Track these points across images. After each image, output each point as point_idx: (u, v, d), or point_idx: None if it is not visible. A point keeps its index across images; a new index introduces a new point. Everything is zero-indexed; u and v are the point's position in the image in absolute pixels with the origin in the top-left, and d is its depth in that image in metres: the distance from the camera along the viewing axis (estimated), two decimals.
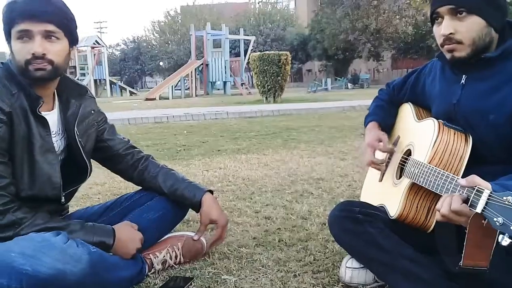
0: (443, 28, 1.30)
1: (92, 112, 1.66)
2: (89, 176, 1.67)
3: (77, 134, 1.56)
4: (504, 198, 0.96)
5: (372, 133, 1.63)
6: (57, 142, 1.53)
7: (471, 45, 1.29)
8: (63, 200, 1.57)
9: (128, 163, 1.81)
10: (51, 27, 1.36)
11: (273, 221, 2.33)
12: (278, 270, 1.70)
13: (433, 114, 1.52)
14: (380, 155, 1.62)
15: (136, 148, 1.86)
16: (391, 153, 1.62)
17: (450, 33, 1.29)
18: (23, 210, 1.38)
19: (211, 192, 1.85)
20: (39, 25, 1.34)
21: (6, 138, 1.35)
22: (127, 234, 1.58)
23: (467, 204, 1.06)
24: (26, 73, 1.38)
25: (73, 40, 1.45)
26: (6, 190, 1.35)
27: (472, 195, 1.05)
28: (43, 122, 1.45)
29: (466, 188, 1.08)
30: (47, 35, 1.36)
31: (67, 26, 1.41)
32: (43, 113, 1.45)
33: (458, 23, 1.28)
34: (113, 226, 1.57)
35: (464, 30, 1.28)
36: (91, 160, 1.72)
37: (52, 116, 1.52)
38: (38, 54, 1.35)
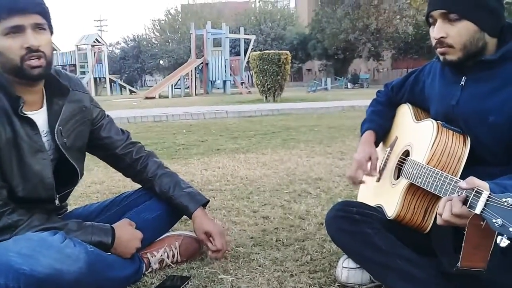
0: (435, 31, 1.32)
1: (84, 108, 1.60)
2: (80, 178, 1.62)
3: (61, 135, 1.50)
4: (503, 199, 0.96)
5: (364, 148, 1.62)
6: (48, 142, 1.49)
7: (462, 49, 1.30)
8: (57, 202, 1.54)
9: (126, 163, 1.77)
10: (39, 19, 1.34)
11: (270, 220, 2.32)
12: (275, 269, 1.70)
13: (432, 115, 1.52)
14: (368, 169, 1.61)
15: (137, 143, 1.82)
16: (373, 175, 1.62)
17: (442, 37, 1.30)
18: (19, 212, 1.36)
19: (206, 203, 1.81)
20: (29, 17, 1.31)
21: None
22: (127, 233, 1.58)
23: (466, 206, 1.06)
24: (22, 72, 1.34)
25: (52, 30, 1.42)
26: None
27: (471, 196, 1.05)
28: (30, 122, 1.40)
29: (465, 190, 1.08)
30: (36, 27, 1.34)
31: (49, 16, 1.39)
32: (30, 113, 1.41)
33: (450, 27, 1.29)
34: (113, 225, 1.57)
35: (455, 34, 1.29)
36: (94, 157, 1.69)
37: (41, 115, 1.47)
38: (35, 47, 1.32)
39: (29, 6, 1.31)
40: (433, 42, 1.35)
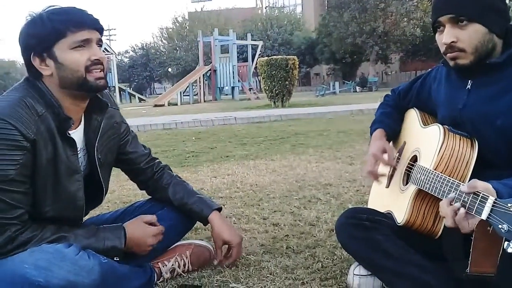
0: (445, 37, 1.30)
1: (115, 124, 1.64)
2: (104, 197, 1.65)
3: (96, 151, 1.53)
4: (509, 205, 0.96)
5: (377, 143, 1.62)
6: (80, 159, 1.51)
7: (474, 52, 1.29)
8: (83, 221, 1.57)
9: (147, 176, 1.82)
10: (100, 36, 1.41)
11: (281, 227, 2.33)
12: (286, 277, 1.71)
13: (439, 119, 1.52)
14: (383, 166, 1.62)
15: (157, 159, 1.87)
16: (393, 165, 1.62)
17: (452, 42, 1.29)
18: (32, 228, 1.36)
19: (220, 210, 1.83)
20: (95, 33, 1.38)
21: (29, 165, 1.31)
22: (139, 230, 1.57)
23: (472, 212, 1.06)
24: (86, 85, 1.38)
25: None
26: (19, 219, 1.32)
27: (477, 202, 1.05)
28: (71, 143, 1.42)
29: (471, 195, 1.08)
30: (98, 44, 1.40)
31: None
32: (71, 132, 1.42)
33: (460, 31, 1.28)
34: (124, 224, 1.57)
35: (465, 38, 1.28)
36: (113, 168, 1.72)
37: (78, 133, 1.50)
38: (102, 59, 1.39)
39: (94, 22, 1.38)
40: (442, 48, 1.34)
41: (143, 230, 1.59)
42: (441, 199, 1.26)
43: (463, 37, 1.28)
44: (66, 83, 1.38)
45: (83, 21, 1.36)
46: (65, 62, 1.35)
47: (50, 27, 1.32)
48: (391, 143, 1.71)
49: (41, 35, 1.33)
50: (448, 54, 1.33)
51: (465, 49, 1.29)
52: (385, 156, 1.58)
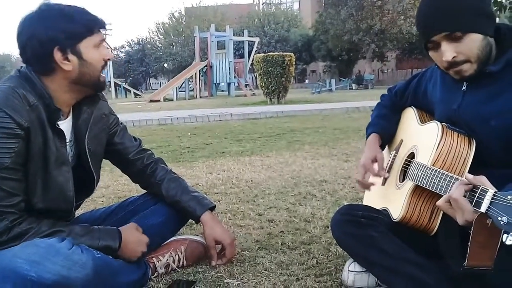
0: (445, 54, 1.28)
1: (104, 116, 1.64)
2: (96, 186, 1.65)
3: (87, 142, 1.54)
4: (509, 197, 0.97)
5: (370, 151, 1.62)
6: (68, 149, 1.51)
7: (477, 60, 1.28)
8: (73, 213, 1.56)
9: (137, 168, 1.80)
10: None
11: (276, 224, 2.32)
12: (281, 273, 1.70)
13: (435, 118, 1.52)
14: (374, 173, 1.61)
15: (148, 150, 1.86)
16: (381, 175, 1.61)
17: (453, 57, 1.27)
18: (29, 220, 1.36)
19: (213, 208, 1.83)
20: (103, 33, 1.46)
21: (22, 153, 1.32)
22: (133, 237, 1.58)
23: (472, 204, 1.06)
24: (98, 84, 1.47)
25: None
26: (16, 207, 1.33)
27: (477, 195, 1.06)
28: (60, 134, 1.43)
29: (470, 184, 1.09)
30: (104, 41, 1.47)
31: None
32: (60, 122, 1.43)
33: (458, 45, 1.26)
34: (119, 228, 1.57)
35: (466, 50, 1.26)
36: (104, 161, 1.72)
37: (67, 125, 1.50)
38: (112, 58, 1.49)
39: (105, 23, 1.46)
40: (443, 64, 1.31)
41: (138, 237, 1.59)
42: (438, 195, 1.26)
43: (463, 50, 1.26)
44: (83, 80, 1.42)
45: (102, 22, 1.44)
46: (89, 60, 1.40)
47: (81, 24, 1.38)
48: (386, 147, 1.72)
49: (72, 30, 1.37)
50: (452, 69, 1.31)
51: (467, 60, 1.27)
52: (375, 166, 1.58)
